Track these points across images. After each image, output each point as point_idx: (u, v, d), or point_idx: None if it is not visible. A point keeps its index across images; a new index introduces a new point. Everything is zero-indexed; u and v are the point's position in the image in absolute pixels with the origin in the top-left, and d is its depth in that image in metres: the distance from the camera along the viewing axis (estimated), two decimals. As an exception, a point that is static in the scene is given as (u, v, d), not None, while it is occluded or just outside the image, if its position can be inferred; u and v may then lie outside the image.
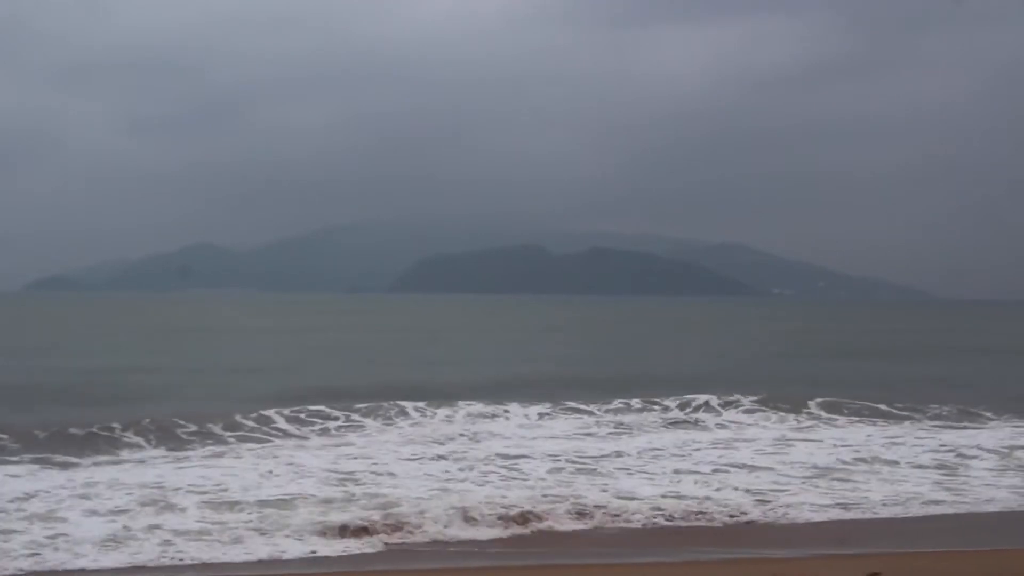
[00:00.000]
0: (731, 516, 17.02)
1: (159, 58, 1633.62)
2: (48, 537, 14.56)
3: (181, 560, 13.86)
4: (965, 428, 27.37)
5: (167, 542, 14.45)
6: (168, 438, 23.72)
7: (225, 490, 17.70)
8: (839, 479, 19.85)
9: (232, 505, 16.64)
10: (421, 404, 28.69)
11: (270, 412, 26.59)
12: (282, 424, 26.00)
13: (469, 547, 14.95)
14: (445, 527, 15.62)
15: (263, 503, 16.72)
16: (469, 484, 18.72)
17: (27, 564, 13.49)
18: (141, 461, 21.13)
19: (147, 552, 14.05)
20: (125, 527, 15.11)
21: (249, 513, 16.10)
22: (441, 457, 21.61)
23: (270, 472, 19.55)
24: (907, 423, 28.27)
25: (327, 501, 16.94)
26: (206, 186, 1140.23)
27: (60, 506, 16.32)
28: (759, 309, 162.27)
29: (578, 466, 20.71)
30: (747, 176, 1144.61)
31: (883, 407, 30.16)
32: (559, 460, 21.24)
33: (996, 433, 26.21)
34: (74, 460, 20.88)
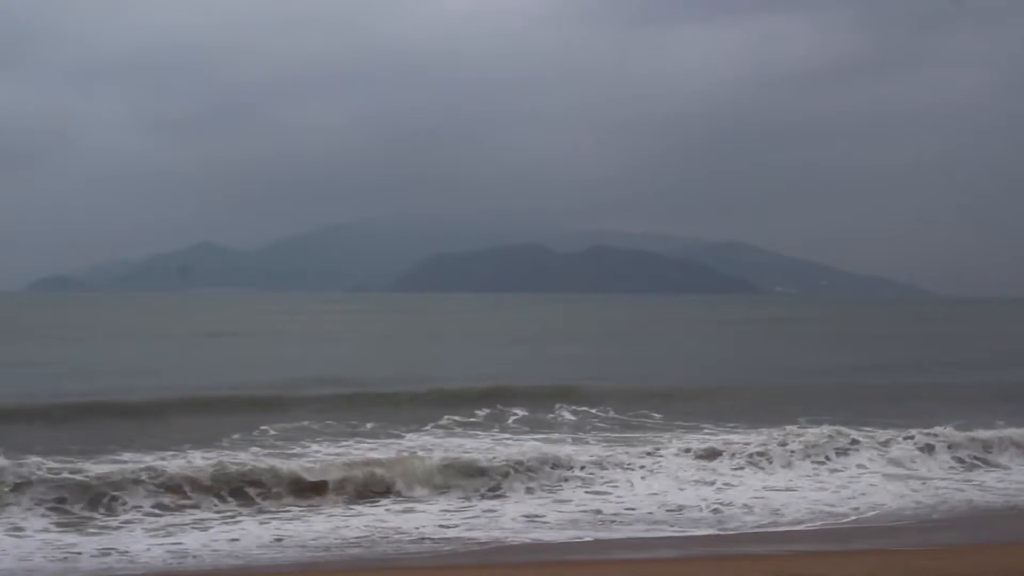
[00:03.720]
0: (731, 513, 17.09)
1: (165, 59, 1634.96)
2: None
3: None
4: None
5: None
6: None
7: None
8: None
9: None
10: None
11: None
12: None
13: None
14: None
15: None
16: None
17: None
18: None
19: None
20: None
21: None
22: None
23: None
24: None
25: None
26: (209, 185, 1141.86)
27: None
28: (802, 309, 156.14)
29: None
30: (750, 174, 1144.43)
31: None
32: None
33: None
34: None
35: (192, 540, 14.93)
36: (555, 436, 23.77)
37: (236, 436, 22.31)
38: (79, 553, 14.26)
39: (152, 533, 15.34)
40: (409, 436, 23.34)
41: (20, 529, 15.39)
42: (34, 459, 17.42)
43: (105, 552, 14.30)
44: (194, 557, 14.18)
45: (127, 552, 14.31)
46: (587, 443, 22.63)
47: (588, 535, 15.69)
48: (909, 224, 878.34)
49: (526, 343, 61.39)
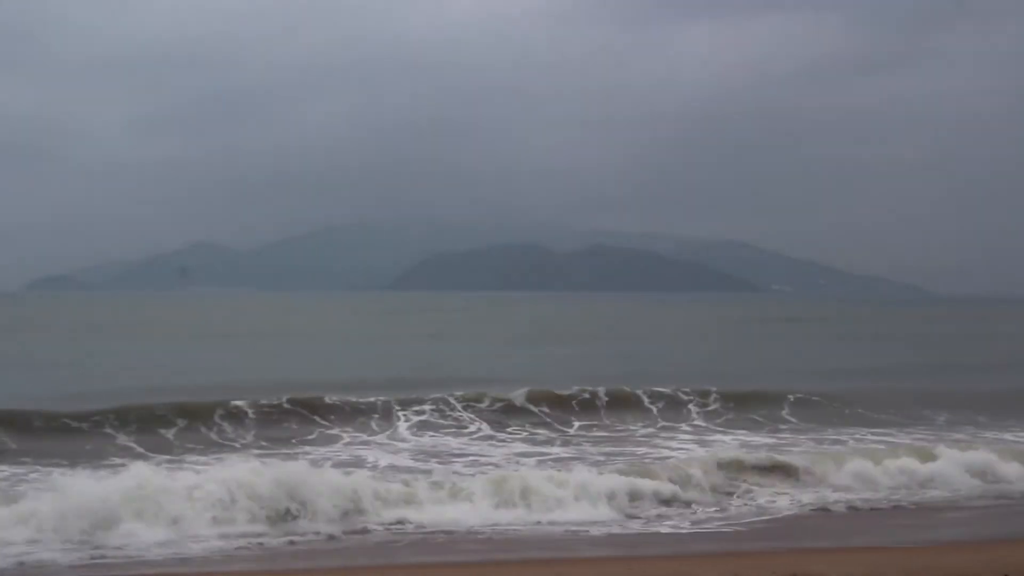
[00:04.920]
0: (731, 513, 17.19)
1: (163, 58, 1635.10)
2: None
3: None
4: None
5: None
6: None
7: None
8: None
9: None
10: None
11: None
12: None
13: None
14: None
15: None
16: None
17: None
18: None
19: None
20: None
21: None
22: None
23: None
24: None
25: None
26: (207, 186, 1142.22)
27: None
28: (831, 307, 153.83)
29: None
30: (748, 174, 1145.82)
31: None
32: None
33: None
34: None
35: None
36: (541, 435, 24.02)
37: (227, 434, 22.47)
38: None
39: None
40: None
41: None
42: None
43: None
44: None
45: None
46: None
47: (589, 534, 15.72)
48: (907, 223, 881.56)
49: (537, 343, 59.48)
